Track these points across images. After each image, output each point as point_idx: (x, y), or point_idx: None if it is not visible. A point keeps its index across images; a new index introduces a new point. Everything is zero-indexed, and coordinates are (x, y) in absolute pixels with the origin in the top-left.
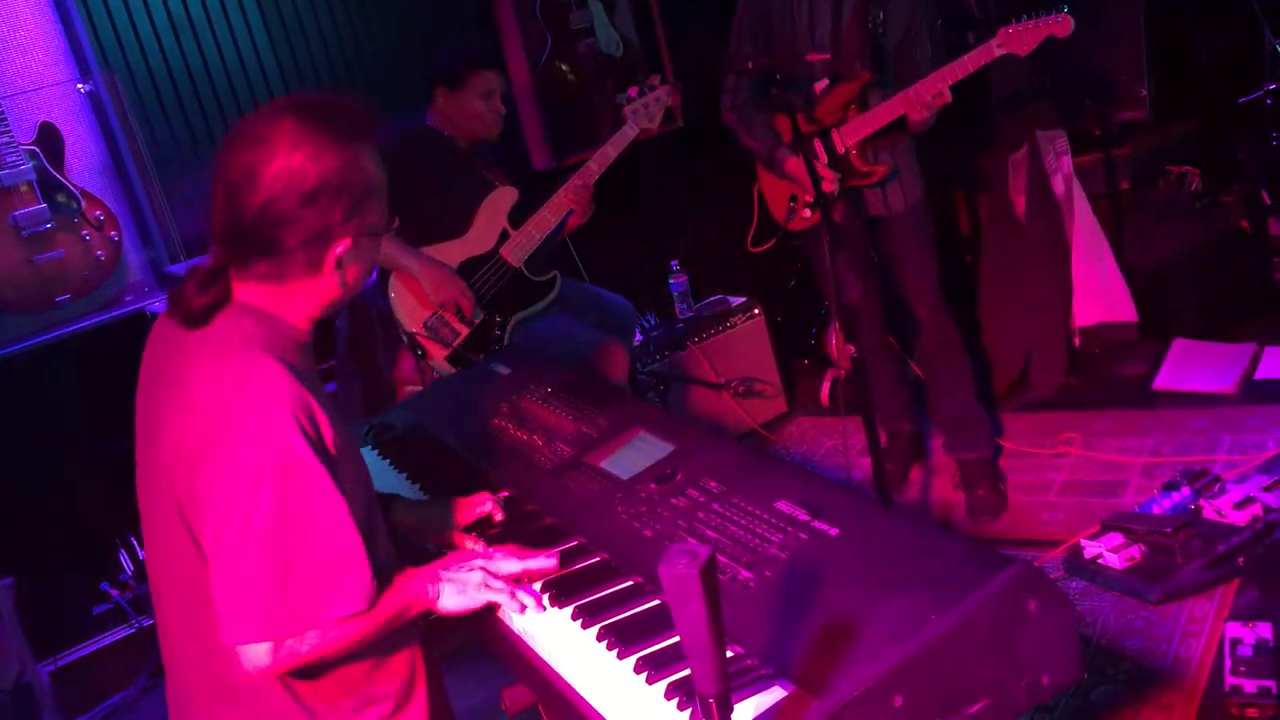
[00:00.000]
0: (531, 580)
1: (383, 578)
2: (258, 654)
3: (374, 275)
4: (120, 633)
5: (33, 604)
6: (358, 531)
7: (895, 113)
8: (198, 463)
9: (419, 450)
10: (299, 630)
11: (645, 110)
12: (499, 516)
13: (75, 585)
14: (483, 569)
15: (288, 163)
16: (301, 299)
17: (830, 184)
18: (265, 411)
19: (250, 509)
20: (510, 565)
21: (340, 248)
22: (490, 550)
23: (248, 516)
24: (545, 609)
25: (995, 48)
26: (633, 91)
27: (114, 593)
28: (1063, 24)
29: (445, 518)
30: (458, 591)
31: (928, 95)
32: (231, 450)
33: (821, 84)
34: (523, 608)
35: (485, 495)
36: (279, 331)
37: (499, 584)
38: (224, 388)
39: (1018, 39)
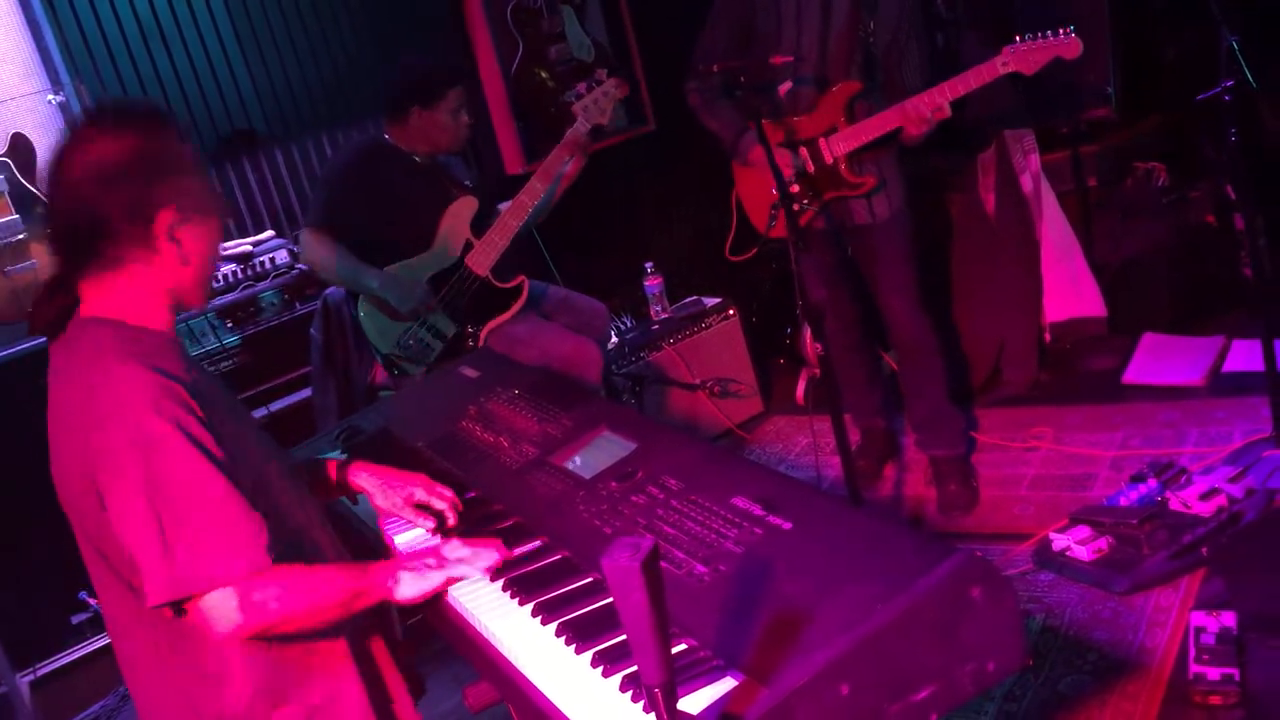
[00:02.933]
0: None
1: (302, 546)
2: (227, 609)
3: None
4: (99, 641)
5: (10, 614)
6: (237, 492)
7: (890, 125)
8: (88, 476)
9: (387, 453)
10: (208, 583)
11: (595, 105)
12: (452, 521)
13: (53, 595)
14: (435, 552)
15: (90, 153)
16: (148, 290)
17: (788, 170)
18: (118, 398)
19: (128, 488)
20: (460, 551)
21: (167, 217)
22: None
23: (128, 495)
24: (501, 556)
25: (1000, 65)
26: (581, 88)
27: (92, 601)
28: (1071, 45)
29: (401, 489)
30: (415, 578)
31: (927, 110)
32: (103, 445)
33: (785, 86)
34: (485, 569)
35: (423, 476)
36: (133, 338)
37: (453, 559)
38: (86, 399)
39: (1024, 58)
